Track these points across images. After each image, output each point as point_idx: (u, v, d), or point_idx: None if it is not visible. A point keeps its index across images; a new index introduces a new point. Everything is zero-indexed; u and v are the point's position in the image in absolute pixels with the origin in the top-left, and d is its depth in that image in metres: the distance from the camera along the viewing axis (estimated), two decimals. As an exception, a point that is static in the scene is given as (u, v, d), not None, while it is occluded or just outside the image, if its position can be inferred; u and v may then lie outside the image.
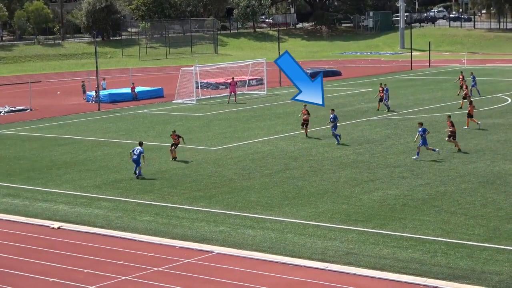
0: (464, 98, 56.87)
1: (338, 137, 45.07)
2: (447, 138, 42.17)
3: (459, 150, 41.44)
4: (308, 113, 47.59)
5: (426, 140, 40.15)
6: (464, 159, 39.60)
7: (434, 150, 40.35)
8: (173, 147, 42.14)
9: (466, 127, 48.17)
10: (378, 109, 57.48)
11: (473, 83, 64.41)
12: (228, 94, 66.87)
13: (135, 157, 38.39)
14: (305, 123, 47.73)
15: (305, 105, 46.71)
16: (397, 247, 26.30)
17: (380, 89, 58.05)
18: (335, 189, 34.35)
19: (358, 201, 32.30)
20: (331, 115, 45.31)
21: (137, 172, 38.42)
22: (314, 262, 25.32)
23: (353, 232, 28.19)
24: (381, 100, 57.61)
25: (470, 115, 48.66)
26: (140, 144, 39.27)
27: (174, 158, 41.79)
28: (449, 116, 42.95)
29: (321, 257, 25.65)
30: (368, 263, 24.93)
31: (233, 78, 68.30)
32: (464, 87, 59.59)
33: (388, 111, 56.89)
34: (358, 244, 26.80)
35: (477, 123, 48.49)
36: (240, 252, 26.66)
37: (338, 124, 45.72)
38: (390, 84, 76.43)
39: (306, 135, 47.61)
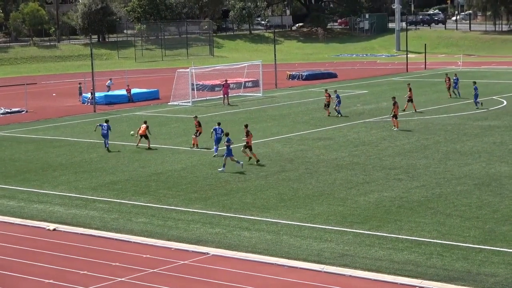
0: (409, 100, 57.64)
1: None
2: (242, 149, 40.78)
3: (257, 161, 40.38)
4: (200, 125, 45.61)
5: (231, 151, 39.04)
6: (459, 161, 39.64)
7: (238, 163, 38.98)
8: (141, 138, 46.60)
9: (395, 127, 49.53)
10: (329, 115, 56.83)
11: (454, 84, 65.15)
12: (222, 96, 66.96)
13: (104, 131, 46.01)
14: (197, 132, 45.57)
15: (196, 116, 47.12)
16: (393, 249, 26.31)
17: (326, 95, 57.87)
18: (330, 191, 34.36)
19: (353, 203, 32.30)
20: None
21: (107, 145, 46.09)
22: (309, 263, 25.32)
23: (348, 234, 28.20)
24: (328, 105, 57.42)
25: (395, 116, 49.69)
26: (107, 121, 46.94)
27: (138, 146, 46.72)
28: (246, 126, 41.65)
29: (316, 259, 25.65)
30: (363, 265, 24.94)
31: (226, 80, 68.37)
32: (408, 89, 59.09)
33: (340, 116, 56.43)
34: (354, 246, 26.80)
35: (395, 126, 49.44)
36: (235, 253, 26.65)
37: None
38: (386, 86, 76.77)
39: (195, 145, 45.53)
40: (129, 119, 59.35)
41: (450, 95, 65.32)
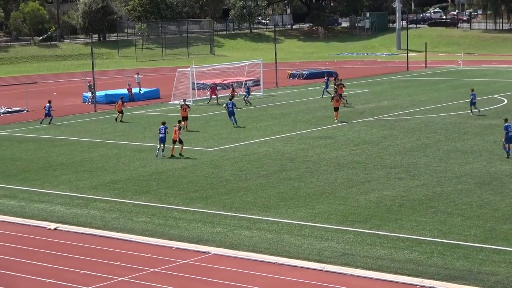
0: (340, 95, 59.92)
1: None
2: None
3: (172, 156, 42.68)
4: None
5: (163, 138, 42.39)
6: (460, 160, 39.63)
7: (158, 150, 42.83)
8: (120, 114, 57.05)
9: (336, 120, 53.38)
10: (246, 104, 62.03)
11: (325, 86, 68.66)
12: (211, 96, 66.74)
13: (47, 111, 57.11)
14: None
15: (185, 100, 55.41)
16: (394, 248, 26.31)
17: (232, 90, 63.16)
18: (331, 190, 34.35)
19: (354, 202, 32.30)
20: None
21: (51, 122, 57.11)
22: (310, 263, 25.33)
23: (349, 233, 28.20)
24: (232, 98, 60.38)
25: (336, 109, 53.90)
26: (49, 102, 58.19)
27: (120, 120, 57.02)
28: (179, 122, 44.58)
29: (317, 258, 25.66)
30: (364, 264, 24.94)
31: (214, 83, 68.31)
32: (338, 85, 62.64)
33: (249, 105, 62.78)
34: (355, 245, 26.80)
35: (336, 118, 53.54)
36: (236, 253, 26.66)
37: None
38: (386, 85, 76.73)
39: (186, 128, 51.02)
40: (129, 118, 59.32)
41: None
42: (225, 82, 75.71)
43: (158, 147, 43.32)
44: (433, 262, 24.88)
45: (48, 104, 57.62)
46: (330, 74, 75.51)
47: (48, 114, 57.44)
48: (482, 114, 54.37)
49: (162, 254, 26.83)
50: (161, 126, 43.28)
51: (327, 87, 68.43)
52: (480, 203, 31.32)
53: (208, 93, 67.95)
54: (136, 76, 75.82)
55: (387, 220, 29.52)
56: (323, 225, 29.21)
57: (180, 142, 43.01)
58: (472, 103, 54.62)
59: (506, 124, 40.12)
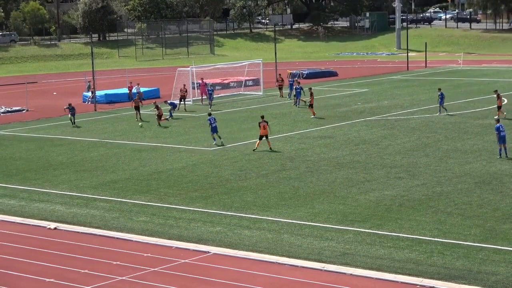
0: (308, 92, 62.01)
1: None
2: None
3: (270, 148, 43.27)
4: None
5: (215, 128, 45.07)
6: (460, 159, 39.63)
7: (214, 140, 45.25)
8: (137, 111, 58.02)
9: (312, 116, 55.25)
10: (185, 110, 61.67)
11: (288, 86, 68.39)
12: (200, 97, 66.43)
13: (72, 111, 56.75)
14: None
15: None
16: (394, 248, 26.32)
17: (183, 89, 63.10)
18: (331, 190, 34.35)
19: (354, 201, 32.30)
20: None
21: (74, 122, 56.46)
22: (310, 262, 25.33)
23: (349, 232, 28.20)
24: (184, 99, 62.48)
25: (311, 105, 55.81)
26: (70, 104, 56.86)
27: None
28: (262, 117, 44.10)
29: (317, 258, 25.66)
30: (364, 264, 24.94)
31: (202, 79, 68.00)
32: (309, 91, 62.43)
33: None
34: (355, 245, 26.80)
35: (313, 114, 55.38)
36: (236, 252, 26.66)
37: None
38: (386, 84, 76.73)
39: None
40: (129, 117, 59.29)
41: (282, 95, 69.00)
42: (225, 81, 75.71)
43: (214, 138, 45.62)
44: (433, 261, 24.89)
45: (71, 106, 57.26)
46: (294, 75, 75.43)
47: (73, 114, 57.13)
48: (482, 114, 54.38)
49: (162, 253, 26.83)
50: (209, 117, 45.82)
51: (291, 88, 66.44)
52: (480, 203, 31.32)
53: (199, 91, 67.69)
54: (137, 86, 75.58)
55: (387, 219, 29.52)
56: (323, 225, 29.21)
57: (267, 137, 43.69)
58: (441, 103, 55.06)
59: (498, 124, 40.15)
